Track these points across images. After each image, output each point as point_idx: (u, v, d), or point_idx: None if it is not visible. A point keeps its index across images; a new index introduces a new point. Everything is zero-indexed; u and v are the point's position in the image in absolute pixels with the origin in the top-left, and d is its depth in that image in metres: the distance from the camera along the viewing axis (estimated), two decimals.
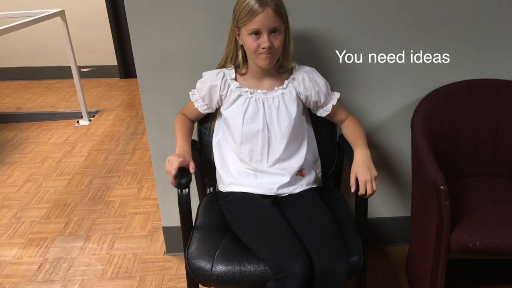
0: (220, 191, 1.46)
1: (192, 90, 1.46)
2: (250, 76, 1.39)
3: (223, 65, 1.43)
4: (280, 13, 1.27)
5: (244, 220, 1.32)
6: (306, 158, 1.42)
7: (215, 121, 1.48)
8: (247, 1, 1.25)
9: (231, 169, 1.42)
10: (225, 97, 1.39)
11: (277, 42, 1.29)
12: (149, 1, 1.50)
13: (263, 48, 1.27)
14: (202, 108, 1.45)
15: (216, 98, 1.40)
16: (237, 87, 1.38)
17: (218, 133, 1.47)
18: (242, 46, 1.35)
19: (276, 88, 1.38)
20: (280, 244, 1.20)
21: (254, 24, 1.25)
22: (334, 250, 1.19)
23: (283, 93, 1.38)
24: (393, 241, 1.92)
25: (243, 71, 1.39)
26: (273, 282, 1.16)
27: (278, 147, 1.38)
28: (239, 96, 1.38)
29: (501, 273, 1.71)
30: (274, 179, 1.38)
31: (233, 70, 1.40)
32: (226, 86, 1.39)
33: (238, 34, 1.32)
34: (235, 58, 1.39)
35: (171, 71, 1.60)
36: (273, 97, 1.37)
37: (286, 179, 1.37)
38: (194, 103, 1.45)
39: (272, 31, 1.27)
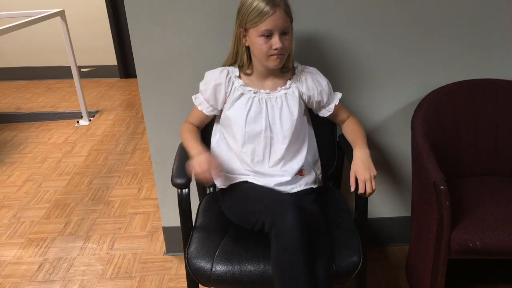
0: (220, 188, 1.44)
1: (194, 95, 1.45)
2: (254, 76, 1.39)
3: (228, 65, 1.42)
4: (289, 13, 1.28)
5: (247, 194, 1.34)
6: (306, 159, 1.42)
7: (212, 123, 1.48)
8: (256, 3, 1.24)
9: (230, 170, 1.42)
10: (229, 95, 1.39)
11: (287, 42, 1.29)
12: (149, 1, 1.50)
13: (275, 49, 1.26)
14: (207, 110, 1.43)
15: (221, 96, 1.39)
16: (240, 85, 1.37)
17: (216, 135, 1.47)
18: (247, 47, 1.34)
19: (279, 88, 1.38)
20: (272, 200, 1.25)
21: (266, 25, 1.24)
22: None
23: (286, 93, 1.38)
24: (393, 241, 1.92)
25: (248, 71, 1.38)
26: (272, 239, 1.15)
27: (280, 147, 1.38)
28: (242, 94, 1.37)
29: (501, 273, 1.71)
30: (274, 179, 1.37)
31: (237, 69, 1.40)
32: (230, 84, 1.38)
33: (245, 36, 1.31)
34: (240, 59, 1.38)
35: (171, 71, 1.60)
36: (276, 97, 1.37)
37: (286, 178, 1.37)
38: (198, 107, 1.43)
39: (283, 32, 1.27)
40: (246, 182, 1.37)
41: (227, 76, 1.38)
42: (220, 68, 1.41)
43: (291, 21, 1.30)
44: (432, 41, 1.58)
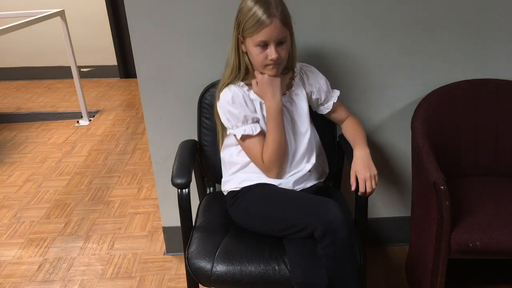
0: (231, 190, 1.39)
1: (240, 134, 1.31)
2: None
3: (229, 82, 1.34)
4: (287, 22, 1.24)
5: (270, 197, 1.31)
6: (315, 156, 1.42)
7: (224, 132, 1.41)
8: (253, 11, 1.21)
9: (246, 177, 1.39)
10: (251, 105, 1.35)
11: (284, 52, 1.27)
12: (149, 1, 1.50)
13: (271, 60, 1.24)
14: (261, 127, 1.34)
15: (251, 106, 1.33)
16: (256, 95, 1.35)
17: (231, 147, 1.40)
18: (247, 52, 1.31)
19: (287, 92, 1.37)
20: (311, 205, 1.21)
21: (261, 36, 1.22)
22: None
23: (296, 94, 1.38)
24: (393, 241, 1.92)
25: (252, 80, 1.34)
26: (327, 245, 1.15)
27: (301, 148, 1.37)
28: (262, 104, 1.34)
29: (501, 273, 1.71)
30: (291, 178, 1.37)
31: (242, 82, 1.35)
32: (247, 96, 1.34)
33: (243, 42, 1.29)
34: (243, 69, 1.33)
35: (171, 71, 1.60)
36: (287, 100, 1.36)
37: (301, 174, 1.37)
38: (255, 132, 1.31)
39: (279, 42, 1.24)
40: (261, 184, 1.35)
41: (242, 90, 1.33)
42: (226, 92, 1.33)
43: (290, 29, 1.27)
44: (432, 41, 1.58)
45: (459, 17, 1.55)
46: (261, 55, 1.25)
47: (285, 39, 1.25)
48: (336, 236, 1.14)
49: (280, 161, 1.32)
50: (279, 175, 1.34)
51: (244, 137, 1.32)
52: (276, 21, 1.21)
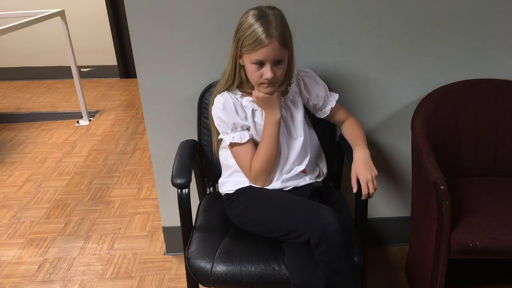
0: (226, 193, 1.41)
1: (229, 141, 1.33)
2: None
3: (223, 89, 1.35)
4: (286, 44, 1.22)
5: (265, 202, 1.31)
6: (310, 158, 1.42)
7: (217, 136, 1.41)
8: (252, 29, 1.19)
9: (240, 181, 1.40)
10: (245, 113, 1.35)
11: (280, 72, 1.25)
12: (149, 1, 1.50)
13: (265, 79, 1.23)
14: (250, 134, 1.34)
15: (243, 115, 1.34)
16: (250, 102, 1.34)
17: (226, 149, 1.41)
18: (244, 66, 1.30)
19: (282, 98, 1.36)
20: (307, 211, 1.21)
21: (258, 55, 1.21)
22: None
23: (291, 101, 1.38)
24: (393, 241, 1.92)
25: (248, 90, 1.34)
26: (318, 248, 1.15)
27: (293, 154, 1.37)
28: (254, 110, 1.35)
29: (501, 273, 1.71)
30: (281, 178, 1.37)
31: (236, 89, 1.35)
32: (239, 103, 1.34)
33: (240, 56, 1.27)
34: (238, 79, 1.32)
35: (171, 71, 1.60)
36: (282, 107, 1.36)
37: (292, 174, 1.37)
38: (243, 140, 1.32)
39: (277, 61, 1.23)
40: (254, 187, 1.35)
41: (234, 96, 1.34)
42: (219, 98, 1.34)
43: (290, 48, 1.26)
44: (432, 41, 1.58)
45: (459, 17, 1.55)
46: (256, 73, 1.24)
47: (282, 59, 1.24)
48: (331, 243, 1.14)
49: (268, 172, 1.33)
50: (265, 184, 1.35)
51: (233, 144, 1.34)
52: (274, 41, 1.19)
